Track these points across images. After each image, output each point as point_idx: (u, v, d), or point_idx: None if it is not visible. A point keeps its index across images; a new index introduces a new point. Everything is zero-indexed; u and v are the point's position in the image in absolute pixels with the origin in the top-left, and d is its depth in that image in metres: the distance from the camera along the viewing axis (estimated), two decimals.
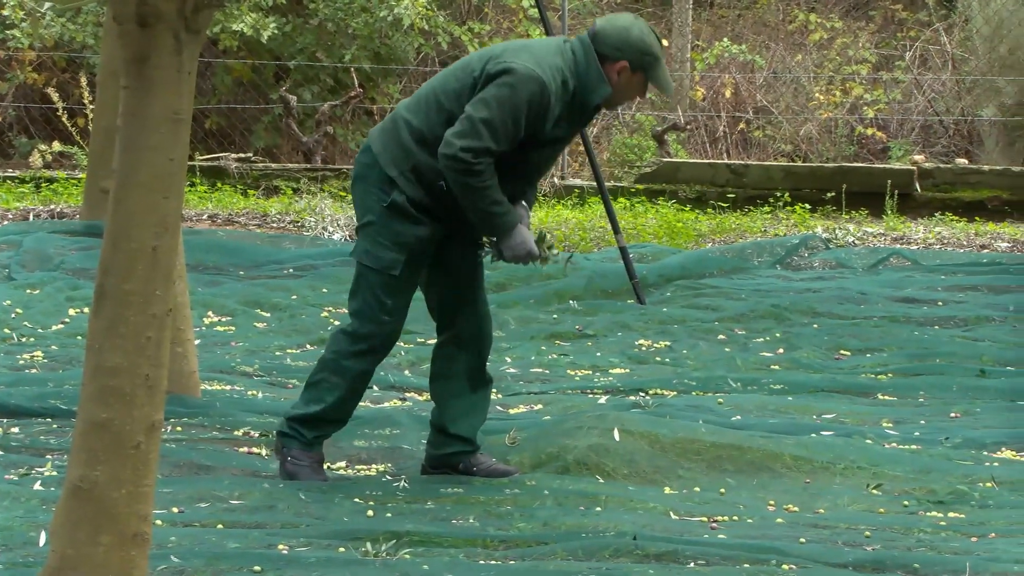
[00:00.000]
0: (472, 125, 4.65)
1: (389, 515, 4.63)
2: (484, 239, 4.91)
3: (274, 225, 11.25)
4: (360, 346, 4.87)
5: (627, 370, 6.91)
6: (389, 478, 5.09)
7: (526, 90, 4.66)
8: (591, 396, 6.36)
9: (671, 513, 4.70)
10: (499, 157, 4.70)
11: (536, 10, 13.08)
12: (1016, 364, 7.01)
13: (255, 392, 6.33)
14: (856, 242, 10.66)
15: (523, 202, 4.95)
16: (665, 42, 15.13)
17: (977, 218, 11.95)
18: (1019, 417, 6.08)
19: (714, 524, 4.61)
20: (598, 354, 7.21)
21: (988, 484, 5.02)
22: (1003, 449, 5.52)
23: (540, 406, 6.18)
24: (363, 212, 4.88)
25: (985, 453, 5.44)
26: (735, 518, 4.66)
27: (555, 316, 8.03)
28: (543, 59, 4.72)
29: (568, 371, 6.90)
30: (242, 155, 13.47)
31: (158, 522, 4.13)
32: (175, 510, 4.61)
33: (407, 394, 6.45)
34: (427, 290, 5.08)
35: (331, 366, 4.89)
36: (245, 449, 5.46)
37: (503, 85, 4.65)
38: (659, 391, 6.44)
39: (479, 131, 4.64)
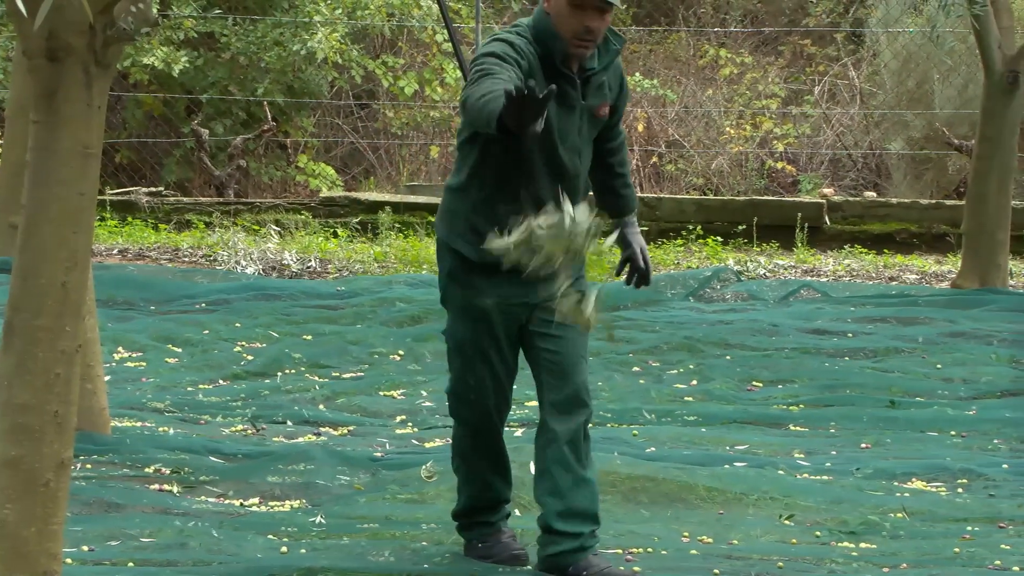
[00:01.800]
0: (469, 84, 4.21)
1: (303, 551, 4.60)
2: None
3: (186, 259, 11.17)
4: (465, 428, 4.59)
5: None
6: (303, 514, 5.04)
7: (492, 47, 4.29)
8: (507, 429, 6.34)
9: None
10: (495, 160, 4.33)
11: (450, 44, 13.11)
12: (925, 395, 7.09)
13: (166, 428, 6.26)
14: (767, 274, 10.76)
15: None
16: None
17: (886, 250, 12.10)
18: (929, 448, 6.14)
19: (629, 556, 4.62)
20: (514, 387, 7.20)
21: (899, 515, 5.07)
22: (913, 479, 5.57)
23: None
24: (439, 284, 4.61)
25: (896, 484, 5.49)
26: (650, 550, 4.67)
27: None
28: (497, 35, 4.42)
29: None
30: (153, 189, 13.38)
31: (68, 560, 4.07)
32: (85, 548, 4.54)
33: (322, 429, 6.42)
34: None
35: (456, 451, 4.64)
36: (156, 486, 5.40)
37: (474, 63, 4.28)
38: None
39: (481, 63, 4.20)
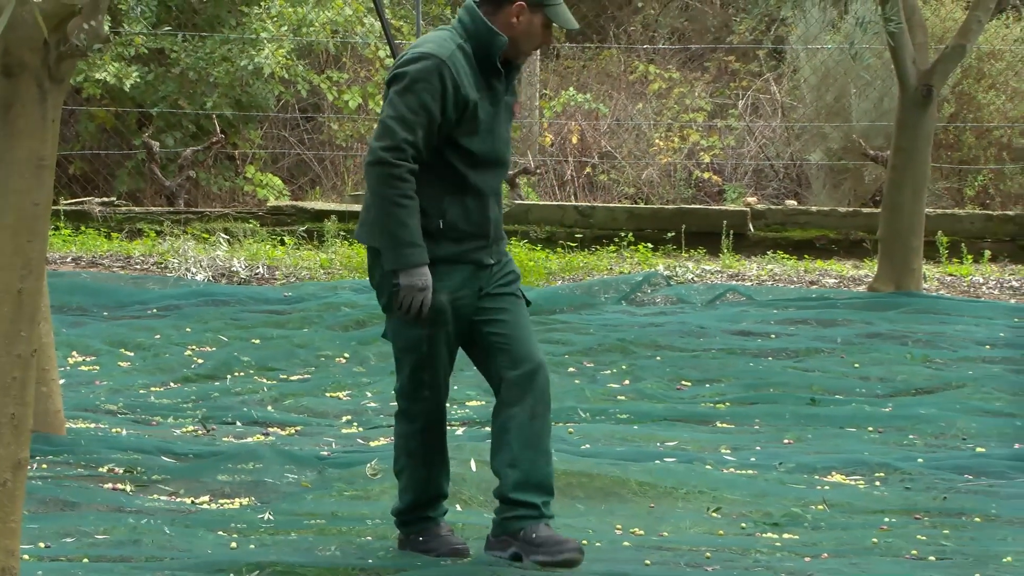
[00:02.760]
0: (384, 126, 4.27)
1: (252, 547, 4.58)
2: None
3: (137, 267, 11.08)
4: (415, 425, 4.50)
5: (483, 402, 6.90)
6: (252, 511, 5.02)
7: (418, 70, 4.28)
8: (449, 428, 6.33)
9: None
10: (433, 159, 4.32)
11: (392, 59, 13.09)
12: (844, 393, 7.13)
13: (119, 429, 6.21)
14: (695, 279, 10.80)
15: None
16: None
17: (806, 256, 12.18)
18: (848, 443, 6.18)
19: None
20: (455, 388, 7.13)
21: (820, 506, 5.09)
22: (833, 473, 5.59)
23: None
24: (379, 294, 4.49)
25: (816, 477, 5.52)
26: (585, 542, 4.66)
27: None
28: (427, 39, 4.43)
29: None
30: (106, 199, 13.28)
31: (25, 557, 4.03)
32: (42, 545, 4.50)
33: (270, 429, 6.39)
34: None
35: (401, 450, 4.53)
36: (110, 485, 5.35)
37: (397, 79, 4.32)
38: None
39: (392, 128, 4.26)
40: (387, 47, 13.33)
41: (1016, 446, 6.08)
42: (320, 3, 14.23)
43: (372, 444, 6.05)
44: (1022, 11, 14.94)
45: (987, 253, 11.77)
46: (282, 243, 12.05)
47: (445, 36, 4.41)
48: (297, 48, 14.30)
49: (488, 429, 6.20)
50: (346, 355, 7.88)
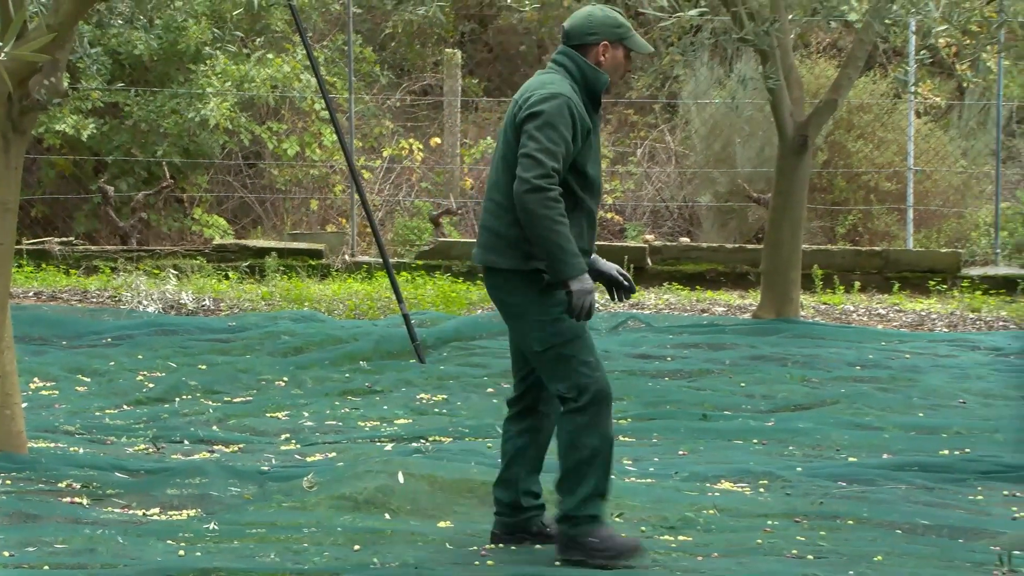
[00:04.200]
0: (532, 158, 4.30)
1: (199, 554, 4.53)
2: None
3: (94, 300, 10.95)
4: (601, 407, 4.41)
5: (410, 420, 6.89)
6: (198, 521, 4.97)
7: (552, 106, 4.35)
8: (379, 444, 6.32)
9: (448, 544, 4.68)
10: (567, 181, 4.38)
11: (327, 112, 13.07)
12: (732, 409, 7.18)
13: (77, 448, 6.13)
14: (600, 308, 10.85)
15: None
16: (437, 139, 15.25)
17: (698, 287, 12.29)
18: (735, 454, 6.22)
19: (484, 552, 4.61)
20: (385, 407, 7.18)
21: (711, 511, 5.12)
22: (722, 481, 5.62)
23: (334, 454, 6.12)
24: (522, 310, 4.45)
25: (708, 485, 5.54)
26: (501, 546, 4.67)
27: (347, 375, 7.98)
28: (546, 82, 4.46)
29: (359, 423, 6.85)
30: (65, 239, 13.15)
31: None
32: (6, 554, 4.43)
33: (215, 447, 6.33)
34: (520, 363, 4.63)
35: (594, 433, 4.39)
36: (68, 499, 5.28)
37: (534, 116, 4.36)
38: (438, 438, 6.43)
39: (540, 158, 4.29)
40: (322, 100, 13.30)
41: (884, 456, 6.15)
42: (261, 61, 14.20)
43: (309, 459, 6.01)
44: (888, 68, 15.21)
45: (857, 284, 11.94)
46: (226, 278, 11.97)
47: (557, 78, 4.49)
48: (240, 102, 14.25)
49: (415, 445, 6.22)
50: (285, 379, 7.83)
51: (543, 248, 4.33)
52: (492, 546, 4.65)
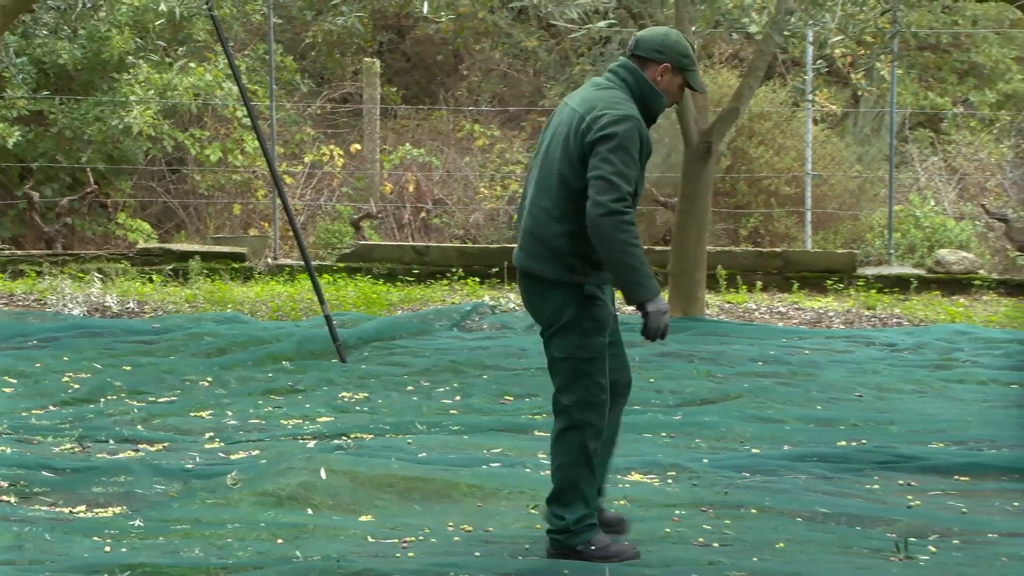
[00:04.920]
0: (609, 181, 4.18)
1: (124, 550, 4.46)
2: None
3: (20, 303, 10.76)
4: (594, 431, 4.35)
5: (332, 418, 6.85)
6: (124, 518, 4.90)
7: (625, 130, 4.24)
8: (301, 442, 6.27)
9: (369, 537, 4.66)
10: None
11: (248, 119, 12.96)
12: (641, 404, 7.20)
13: (4, 448, 6.01)
14: (516, 308, 10.87)
15: None
16: (358, 146, 15.19)
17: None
18: (644, 447, 6.24)
19: (405, 544, 4.60)
20: (307, 406, 7.13)
21: (622, 502, 5.14)
22: (632, 473, 5.64)
23: (257, 452, 6.06)
24: (556, 315, 4.34)
25: (619, 476, 5.56)
26: (421, 538, 4.66)
27: (270, 375, 7.91)
28: (615, 100, 4.31)
29: (281, 421, 6.79)
30: None
31: None
32: None
33: (140, 446, 6.24)
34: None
35: (580, 461, 4.33)
36: None
37: (608, 138, 4.22)
38: (359, 435, 6.39)
39: (616, 183, 4.18)
40: (244, 108, 13.18)
41: (786, 447, 6.22)
42: (183, 70, 14.05)
43: (232, 457, 5.95)
44: (787, 78, 15.41)
45: (759, 284, 12.08)
46: (151, 281, 11.82)
47: (623, 97, 4.35)
48: (163, 109, 14.09)
49: (336, 442, 6.18)
50: (208, 379, 7.75)
51: (617, 271, 4.26)
52: (412, 538, 4.62)
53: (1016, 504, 5.21)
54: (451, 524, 4.87)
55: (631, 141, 4.24)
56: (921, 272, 12.60)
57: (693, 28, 9.77)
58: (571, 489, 4.36)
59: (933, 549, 4.55)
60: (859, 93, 15.77)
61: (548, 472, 5.54)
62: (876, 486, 5.49)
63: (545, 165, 4.40)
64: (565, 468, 4.36)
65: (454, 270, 12.53)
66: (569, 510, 4.36)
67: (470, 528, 4.84)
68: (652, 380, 7.81)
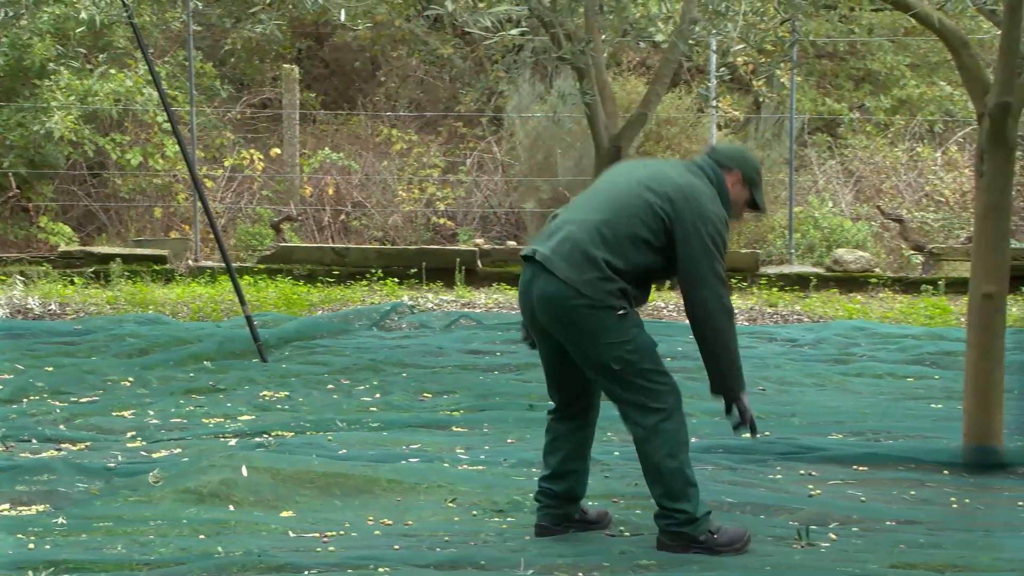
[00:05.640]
0: (717, 275, 4.20)
1: (48, 547, 4.38)
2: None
3: None
4: (679, 415, 4.31)
5: (253, 417, 6.78)
6: (47, 516, 4.80)
7: (723, 224, 4.28)
8: (223, 440, 6.21)
9: (290, 532, 4.63)
10: (658, 266, 4.30)
11: (169, 124, 12.78)
12: None
13: None
14: (434, 307, 10.85)
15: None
16: (278, 150, 15.06)
17: None
18: None
19: (325, 538, 4.57)
20: (228, 405, 7.06)
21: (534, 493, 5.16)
22: None
23: (179, 450, 5.99)
24: (598, 332, 4.25)
25: (535, 470, 5.55)
26: (342, 532, 4.63)
27: (192, 375, 7.81)
28: (710, 195, 4.32)
29: (203, 420, 6.71)
30: None
31: None
32: None
33: (63, 445, 6.13)
34: (579, 372, 4.48)
35: (679, 449, 4.27)
36: None
37: (708, 222, 4.24)
38: (280, 433, 6.34)
39: (721, 275, 4.22)
40: (164, 113, 13.01)
41: (693, 439, 6.24)
42: (104, 76, 13.84)
43: (154, 456, 5.87)
44: (692, 85, 15.55)
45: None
46: (72, 283, 11.62)
47: (715, 194, 4.35)
48: (84, 115, 13.86)
49: (258, 440, 6.13)
50: (130, 379, 7.64)
51: (720, 361, 4.26)
52: (332, 533, 4.60)
53: (912, 493, 5.31)
54: (371, 518, 4.85)
55: (725, 238, 4.31)
56: (820, 271, 12.79)
57: (603, 37, 9.82)
58: (679, 479, 4.31)
59: (833, 536, 4.62)
60: (760, 99, 15.96)
61: (465, 466, 5.57)
62: (779, 476, 5.56)
63: (621, 203, 4.32)
64: (668, 460, 4.29)
65: (373, 271, 12.47)
66: (687, 501, 4.32)
67: (390, 522, 4.82)
68: None
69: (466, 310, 10.66)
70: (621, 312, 4.26)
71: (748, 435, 4.42)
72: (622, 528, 4.70)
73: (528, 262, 4.42)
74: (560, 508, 4.60)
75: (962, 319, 10.28)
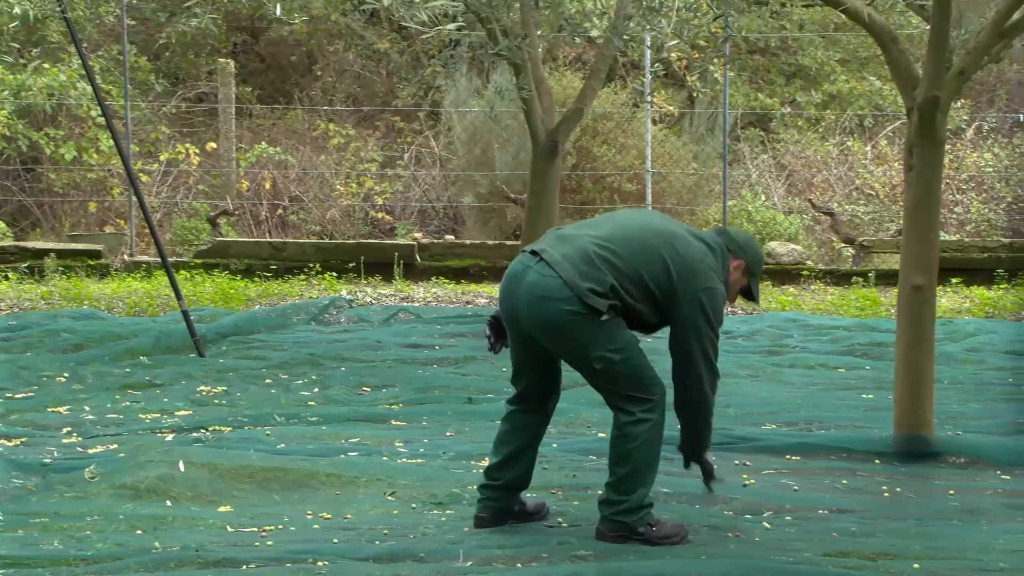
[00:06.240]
0: (713, 345, 4.31)
1: None
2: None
3: None
4: (660, 408, 4.32)
5: (190, 412, 6.71)
6: None
7: (721, 302, 4.34)
8: (160, 435, 6.13)
9: (228, 527, 4.58)
10: (646, 310, 4.34)
11: (103, 118, 12.62)
12: (495, 392, 7.24)
13: None
14: (373, 301, 10.81)
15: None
16: (214, 144, 14.91)
17: (463, 280, 12.38)
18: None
19: (264, 533, 4.53)
20: (165, 400, 6.98)
21: (475, 487, 5.13)
22: (486, 459, 5.56)
23: (115, 446, 5.90)
24: (579, 335, 4.26)
25: (473, 463, 5.57)
26: (280, 527, 4.60)
27: (128, 370, 7.72)
28: (714, 268, 4.36)
29: (140, 415, 6.63)
30: None
31: None
32: None
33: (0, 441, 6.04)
34: (549, 364, 4.47)
35: (654, 439, 4.29)
36: None
37: (711, 296, 4.29)
38: (218, 428, 6.27)
39: (717, 348, 4.34)
40: (99, 108, 12.84)
41: None
42: (37, 71, 13.63)
43: (90, 451, 5.79)
44: (627, 80, 15.61)
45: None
46: (6, 279, 11.43)
47: (719, 270, 4.39)
48: (17, 109, 13.64)
49: (195, 435, 6.06)
50: (65, 375, 7.53)
51: (699, 429, 4.44)
52: (271, 527, 4.57)
53: (844, 482, 5.37)
54: (310, 512, 4.82)
55: (721, 313, 4.37)
56: None
57: (539, 32, 9.82)
58: (648, 466, 4.35)
59: (767, 525, 4.65)
60: (694, 95, 16.07)
61: (404, 460, 5.55)
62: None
63: (639, 244, 4.34)
64: (646, 445, 4.32)
65: (311, 265, 12.40)
66: (637, 491, 4.36)
67: (329, 516, 4.79)
68: (504, 370, 7.82)
69: (405, 304, 10.63)
70: (605, 318, 4.28)
71: (708, 488, 4.68)
72: (560, 519, 4.71)
73: (528, 255, 4.43)
74: (502, 501, 4.60)
75: (892, 310, 10.43)
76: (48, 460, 5.50)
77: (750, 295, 4.60)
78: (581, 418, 6.55)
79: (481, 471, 5.41)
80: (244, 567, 4.09)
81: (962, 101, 15.80)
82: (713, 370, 4.37)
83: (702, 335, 4.31)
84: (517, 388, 4.59)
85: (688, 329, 4.32)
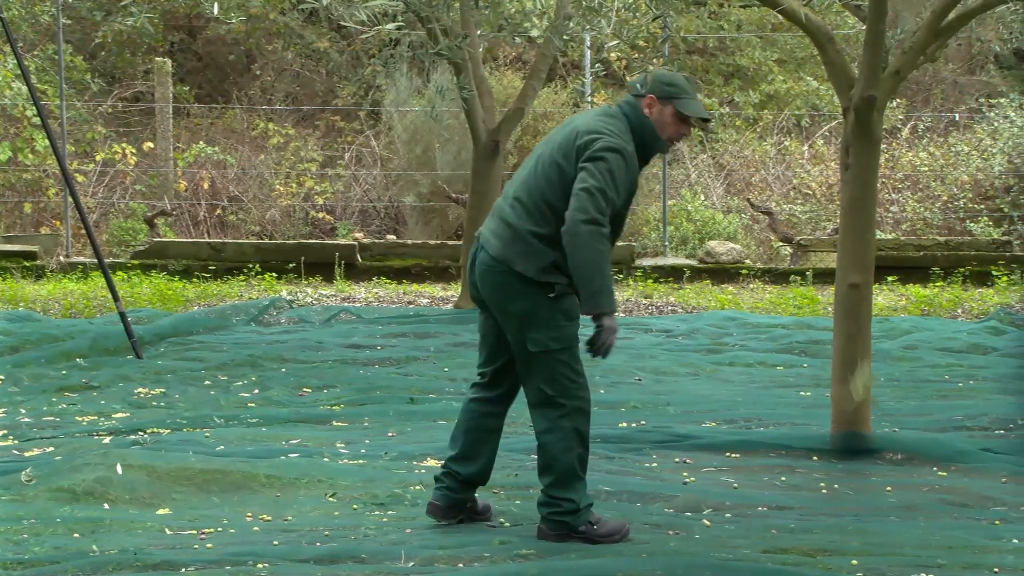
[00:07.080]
0: (592, 195, 4.18)
1: None
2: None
3: None
4: (582, 414, 4.34)
5: (128, 414, 6.64)
6: None
7: (615, 159, 4.25)
8: (97, 438, 6.06)
9: (167, 530, 4.54)
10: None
11: (39, 118, 12.45)
12: (437, 392, 7.24)
13: None
14: (314, 302, 10.76)
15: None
16: (151, 144, 14.76)
17: (404, 280, 12.34)
18: (440, 433, 6.25)
19: (203, 535, 4.49)
20: (103, 402, 6.89)
21: (417, 487, 5.14)
22: (428, 459, 5.63)
23: (52, 448, 5.83)
24: (525, 312, 4.28)
25: (415, 463, 5.56)
26: (219, 529, 4.56)
27: (64, 372, 7.62)
28: (615, 130, 4.31)
29: (76, 418, 6.55)
30: None
31: None
32: None
33: None
34: (506, 349, 4.45)
35: (578, 443, 4.34)
36: None
37: (598, 159, 4.23)
38: (156, 430, 6.21)
39: (598, 198, 4.19)
40: (34, 107, 12.67)
41: None
42: None
43: (27, 454, 5.71)
44: (567, 80, 15.65)
45: None
46: None
47: (623, 128, 4.35)
48: None
49: (133, 437, 6.00)
50: (1, 377, 7.41)
51: (585, 277, 4.23)
52: (210, 530, 4.53)
53: (783, 479, 5.42)
54: (249, 514, 4.78)
55: (618, 170, 4.28)
56: (693, 262, 12.98)
57: (479, 32, 9.83)
58: (571, 472, 4.38)
59: (707, 523, 4.69)
60: None
61: (346, 461, 5.52)
62: (655, 464, 5.62)
63: (536, 169, 4.41)
64: (564, 453, 4.36)
65: (251, 266, 12.31)
66: (574, 492, 4.39)
67: (269, 518, 4.76)
68: (447, 369, 7.83)
69: (346, 304, 10.58)
70: (552, 294, 4.30)
71: (592, 355, 4.37)
72: (502, 519, 4.71)
73: (476, 238, 4.53)
74: (460, 493, 4.61)
75: (829, 308, 10.54)
76: None
77: (687, 120, 4.46)
78: (523, 417, 6.55)
79: (424, 471, 5.41)
80: (183, 570, 4.05)
81: (898, 101, 16.00)
82: (597, 208, 4.22)
83: (591, 176, 4.22)
84: (480, 372, 4.60)
85: (582, 175, 4.26)
